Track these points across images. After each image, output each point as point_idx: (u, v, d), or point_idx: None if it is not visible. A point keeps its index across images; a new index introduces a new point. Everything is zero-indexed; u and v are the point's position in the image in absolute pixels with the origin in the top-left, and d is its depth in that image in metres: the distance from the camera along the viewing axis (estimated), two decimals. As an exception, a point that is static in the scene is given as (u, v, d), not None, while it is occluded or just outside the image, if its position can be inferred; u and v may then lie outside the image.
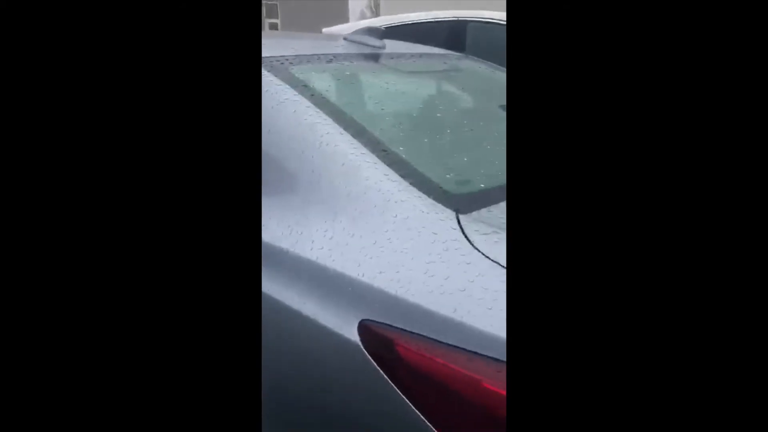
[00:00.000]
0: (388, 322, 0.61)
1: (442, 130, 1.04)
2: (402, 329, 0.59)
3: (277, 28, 16.08)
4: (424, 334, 0.58)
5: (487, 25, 2.63)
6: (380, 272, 0.64)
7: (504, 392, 0.54)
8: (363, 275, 0.64)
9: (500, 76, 1.42)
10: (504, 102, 1.39)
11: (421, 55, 1.37)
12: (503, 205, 0.74)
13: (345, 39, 1.34)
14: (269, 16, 16.13)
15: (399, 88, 1.15)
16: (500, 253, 0.61)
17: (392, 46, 1.34)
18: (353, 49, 1.24)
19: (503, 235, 0.64)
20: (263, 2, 15.85)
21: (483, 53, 2.43)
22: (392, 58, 1.24)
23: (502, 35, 2.46)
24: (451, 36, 2.57)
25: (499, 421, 0.54)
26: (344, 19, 18.99)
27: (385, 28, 2.94)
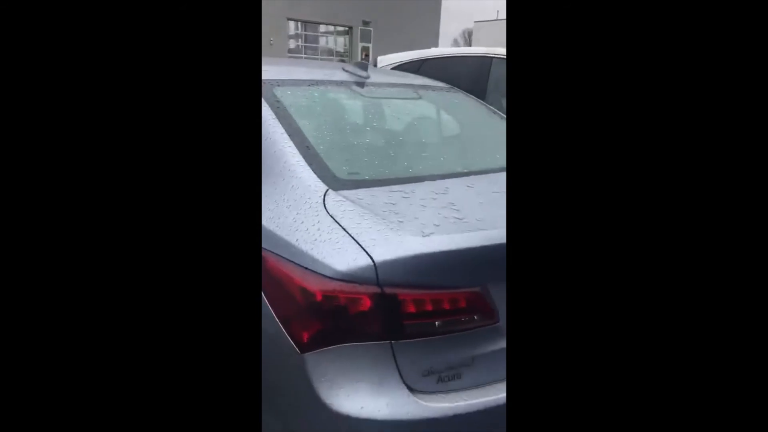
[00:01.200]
0: (266, 247, 0.98)
1: (363, 138, 1.41)
2: (271, 251, 0.97)
3: (369, 52, 17.07)
4: (281, 254, 0.94)
5: (510, 62, 2.91)
6: (271, 218, 1.01)
7: (313, 289, 0.88)
8: (264, 219, 1.02)
9: (469, 107, 1.75)
10: (441, 124, 1.73)
11: (397, 85, 1.74)
12: (370, 190, 1.09)
13: (343, 69, 1.74)
14: (363, 41, 17.21)
15: (352, 107, 1.54)
16: (339, 214, 0.96)
17: (377, 76, 1.72)
18: (342, 77, 1.64)
19: (350, 204, 0.99)
20: (359, 27, 16.96)
21: (503, 87, 2.70)
22: (366, 86, 1.63)
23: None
24: (477, 70, 2.88)
25: (307, 307, 0.88)
26: (434, 45, 19.52)
27: (425, 59, 3.32)
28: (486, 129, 1.70)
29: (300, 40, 16.83)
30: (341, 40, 17.78)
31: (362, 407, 0.86)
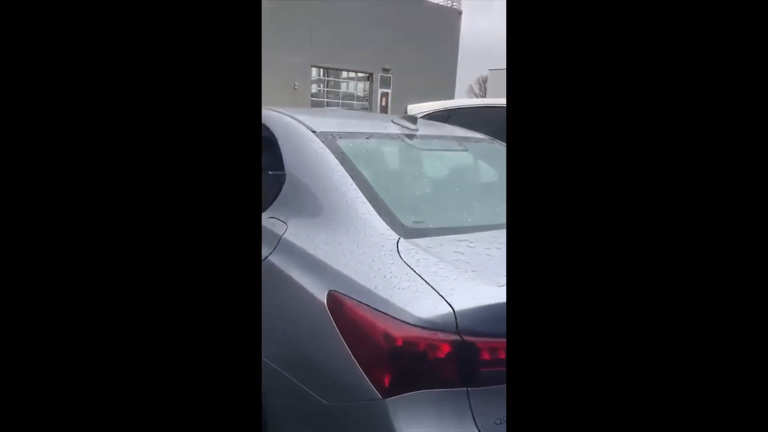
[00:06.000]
0: (342, 291, 1.03)
1: (421, 188, 1.49)
2: (346, 295, 1.02)
3: (388, 97, 17.64)
4: (360, 299, 0.99)
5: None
6: (346, 264, 1.07)
7: (395, 335, 0.92)
8: (338, 265, 1.08)
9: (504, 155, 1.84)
10: (488, 175, 1.81)
11: (443, 137, 1.83)
12: (436, 238, 1.14)
13: (392, 121, 1.85)
14: (382, 87, 17.83)
15: (406, 158, 1.63)
16: (415, 262, 1.02)
17: (425, 129, 1.83)
18: (393, 129, 1.74)
19: (422, 252, 1.04)
20: (379, 74, 17.62)
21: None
22: (417, 138, 1.72)
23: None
24: (501, 120, 2.99)
25: (389, 353, 0.92)
26: (451, 91, 20.06)
27: (453, 109, 3.46)
28: None
29: (322, 85, 17.53)
30: (361, 85, 18.47)
31: (439, 453, 0.88)
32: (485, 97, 30.51)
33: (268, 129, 1.65)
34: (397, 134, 1.70)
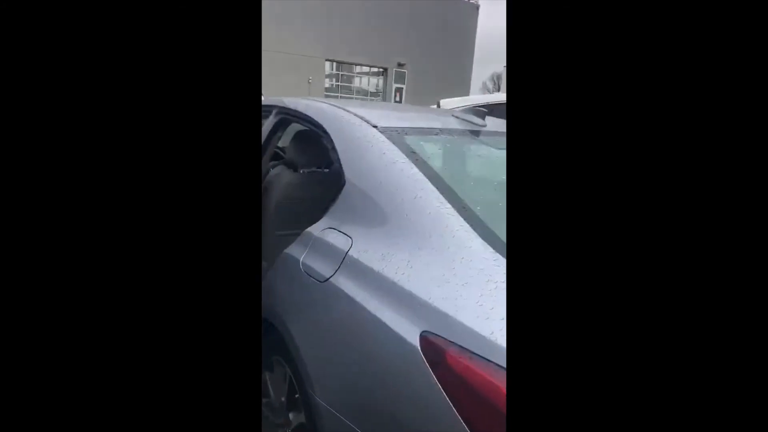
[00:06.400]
0: (442, 335, 0.79)
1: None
2: (451, 341, 0.77)
3: (402, 93, 17.37)
4: (466, 346, 0.75)
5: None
6: (443, 298, 0.83)
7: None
8: (430, 298, 0.84)
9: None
10: None
11: None
12: None
13: (453, 115, 1.60)
14: (397, 82, 17.55)
15: (488, 159, 1.37)
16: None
17: (492, 124, 1.57)
18: (458, 125, 1.49)
19: None
20: (394, 69, 17.35)
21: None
22: (489, 135, 1.47)
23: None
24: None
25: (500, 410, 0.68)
26: (466, 88, 19.78)
27: (494, 104, 3.21)
28: None
29: (334, 79, 17.27)
30: (374, 80, 18.19)
31: None
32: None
33: (314, 122, 1.41)
34: (466, 130, 1.45)
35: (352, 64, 17.31)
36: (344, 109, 1.38)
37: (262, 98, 2.11)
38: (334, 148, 1.27)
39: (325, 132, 1.33)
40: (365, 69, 17.97)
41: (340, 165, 1.21)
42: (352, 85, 18.05)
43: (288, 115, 1.69)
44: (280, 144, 2.07)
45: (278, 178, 1.95)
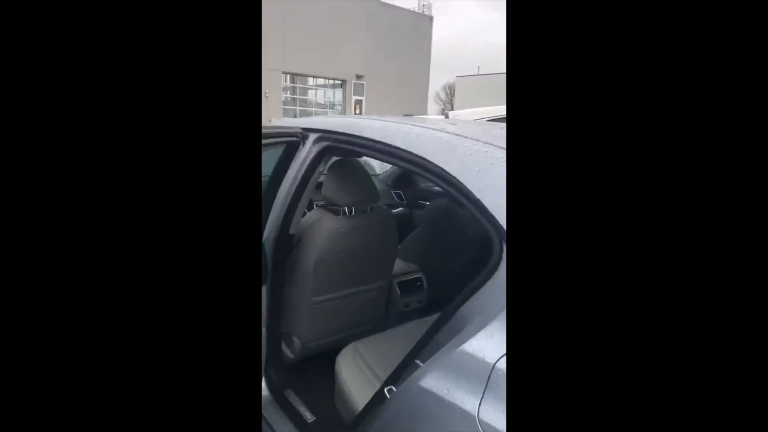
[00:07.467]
0: None
1: None
2: None
3: (362, 105, 17.11)
4: None
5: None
6: None
7: None
8: None
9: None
10: None
11: None
12: None
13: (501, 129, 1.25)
14: (356, 94, 17.27)
15: None
16: None
17: None
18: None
19: None
20: (353, 81, 17.07)
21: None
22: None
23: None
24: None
25: None
26: (424, 99, 19.87)
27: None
28: None
29: (288, 92, 16.67)
30: (331, 93, 17.79)
31: None
32: (452, 104, 30.47)
33: (414, 155, 0.97)
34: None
35: (309, 76, 16.83)
36: (440, 130, 0.98)
37: (279, 121, 1.66)
38: (449, 186, 0.87)
39: (423, 166, 0.93)
40: (321, 81, 17.55)
41: (481, 214, 0.80)
42: (306, 97, 17.54)
43: (340, 144, 1.25)
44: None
45: (318, 226, 1.51)
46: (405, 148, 1.00)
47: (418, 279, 1.98)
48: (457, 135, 0.96)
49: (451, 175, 0.87)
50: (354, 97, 17.09)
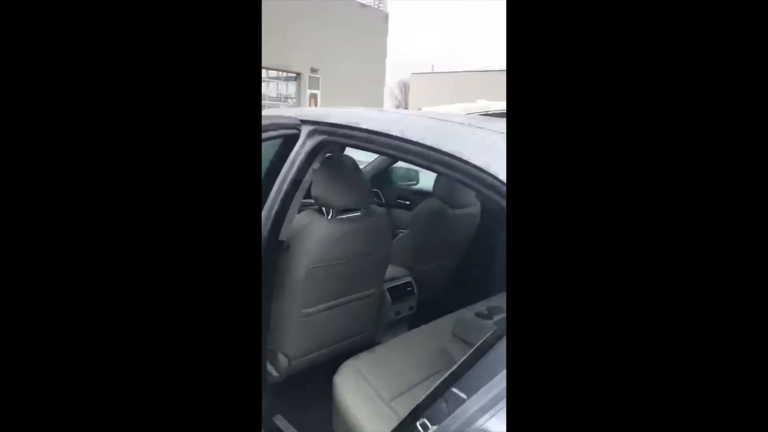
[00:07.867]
0: None
1: None
2: None
3: (317, 98, 16.78)
4: None
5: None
6: None
7: None
8: None
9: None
10: None
11: None
12: None
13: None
14: (311, 88, 16.90)
15: None
16: None
17: None
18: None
19: None
20: (308, 75, 16.68)
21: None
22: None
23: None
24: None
25: None
26: (380, 94, 19.77)
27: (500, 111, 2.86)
28: None
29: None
30: (284, 85, 17.28)
31: None
32: (407, 101, 30.50)
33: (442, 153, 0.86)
34: None
35: (263, 68, 16.26)
36: (476, 126, 0.88)
37: (274, 112, 1.48)
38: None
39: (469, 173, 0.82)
40: (273, 74, 17.01)
41: None
42: (262, 91, 16.96)
43: (340, 138, 1.12)
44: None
45: (308, 232, 1.36)
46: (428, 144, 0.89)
47: (408, 284, 1.87)
48: (491, 131, 0.86)
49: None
50: (309, 91, 16.71)
